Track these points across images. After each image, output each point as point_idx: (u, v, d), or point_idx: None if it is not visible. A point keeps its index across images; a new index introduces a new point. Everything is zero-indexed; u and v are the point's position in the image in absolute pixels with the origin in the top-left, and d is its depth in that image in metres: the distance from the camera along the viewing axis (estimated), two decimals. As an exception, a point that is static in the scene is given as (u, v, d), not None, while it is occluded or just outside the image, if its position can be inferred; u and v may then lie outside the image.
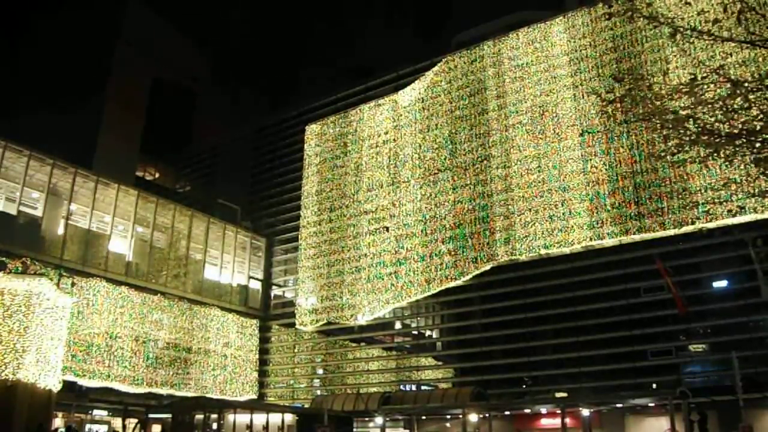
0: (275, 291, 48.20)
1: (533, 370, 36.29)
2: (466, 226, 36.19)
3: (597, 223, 31.89)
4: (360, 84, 46.65)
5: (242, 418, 34.89)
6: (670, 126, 10.10)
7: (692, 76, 10.00)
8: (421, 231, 38.13)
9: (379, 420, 35.50)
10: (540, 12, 39.58)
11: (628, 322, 32.48)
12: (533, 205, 33.96)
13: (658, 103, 10.18)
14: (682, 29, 10.32)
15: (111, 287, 36.09)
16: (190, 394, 38.37)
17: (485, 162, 36.41)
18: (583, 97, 33.89)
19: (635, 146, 31.55)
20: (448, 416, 37.07)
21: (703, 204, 28.77)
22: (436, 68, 40.58)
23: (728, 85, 9.93)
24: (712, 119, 10.02)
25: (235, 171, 54.11)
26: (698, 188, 29.13)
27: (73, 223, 36.81)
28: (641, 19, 10.53)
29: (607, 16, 11.09)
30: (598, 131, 32.87)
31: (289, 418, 36.52)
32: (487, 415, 33.08)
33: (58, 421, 33.71)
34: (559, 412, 31.02)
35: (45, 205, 34.92)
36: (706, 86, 10.08)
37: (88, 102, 52.56)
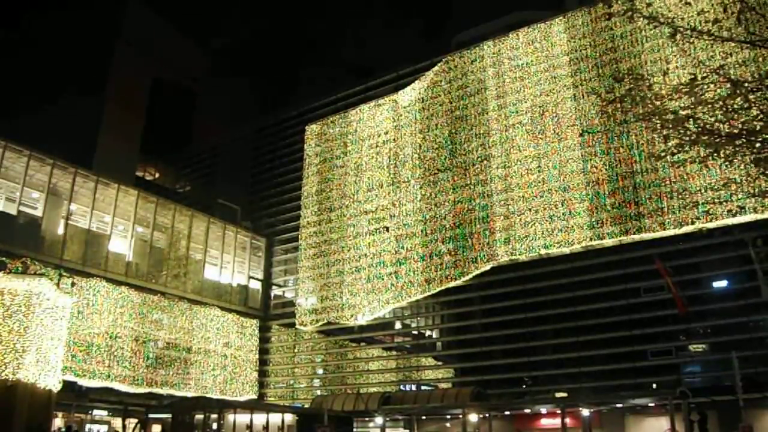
0: (275, 291, 48.20)
1: (533, 370, 36.29)
2: (466, 226, 36.19)
3: (597, 223, 31.89)
4: (360, 84, 46.64)
5: (242, 418, 34.90)
6: (670, 126, 10.10)
7: (692, 76, 10.00)
8: (421, 231, 38.13)
9: (379, 420, 35.51)
10: (540, 12, 39.58)
11: (628, 322, 32.48)
12: (533, 205, 33.95)
13: (658, 103, 10.19)
14: (682, 29, 10.32)
15: (111, 287, 36.08)
16: (190, 394, 38.37)
17: (485, 162, 36.41)
18: (583, 97, 33.88)
19: (635, 146, 31.55)
20: (448, 416, 37.07)
21: (703, 204, 28.75)
22: (436, 68, 40.58)
23: (728, 85, 9.93)
24: (712, 119, 10.03)
25: (235, 171, 54.10)
26: (698, 188, 29.11)
27: (73, 223, 36.80)
28: (641, 19, 10.53)
29: (607, 16, 11.12)
30: (598, 131, 32.87)
31: (289, 418, 36.53)
32: (487, 415, 33.09)
33: (58, 421, 33.73)
34: (559, 412, 31.03)
35: (45, 205, 34.92)
36: (706, 86, 10.08)
37: (88, 102, 52.54)
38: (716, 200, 27.97)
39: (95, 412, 37.83)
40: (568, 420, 30.59)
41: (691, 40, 10.40)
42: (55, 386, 23.99)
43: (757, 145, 9.69)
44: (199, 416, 33.75)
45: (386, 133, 42.01)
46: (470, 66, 38.85)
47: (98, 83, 54.02)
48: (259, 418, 35.00)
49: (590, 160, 32.81)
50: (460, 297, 38.68)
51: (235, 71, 75.12)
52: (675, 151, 10.51)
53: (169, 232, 41.85)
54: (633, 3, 10.43)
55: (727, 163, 10.35)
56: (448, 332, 43.25)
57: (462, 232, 36.24)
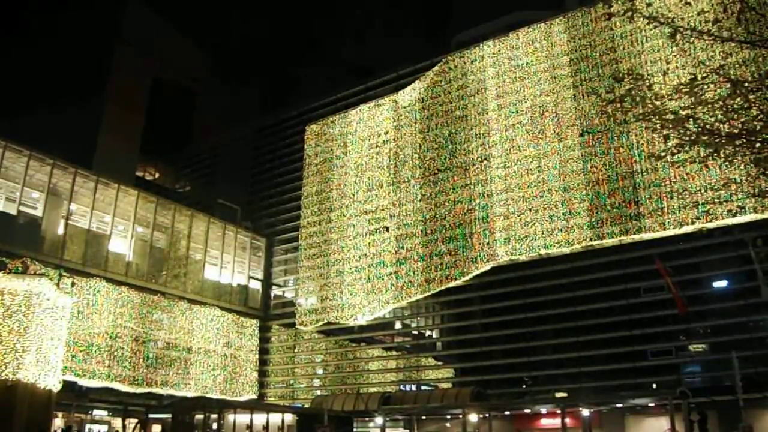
0: (275, 291, 48.19)
1: (533, 370, 36.29)
2: (466, 226, 36.19)
3: (597, 223, 31.89)
4: (360, 84, 46.63)
5: (242, 418, 34.91)
6: (670, 126, 10.10)
7: (692, 76, 10.00)
8: (421, 231, 38.14)
9: (379, 420, 35.51)
10: (540, 12, 39.58)
11: (628, 322, 32.48)
12: (533, 205, 33.95)
13: (658, 103, 10.19)
14: (682, 29, 10.32)
15: (111, 287, 36.08)
16: (190, 394, 38.37)
17: (485, 162, 36.41)
18: (583, 97, 33.89)
19: (635, 146, 31.55)
20: (448, 416, 37.07)
21: (703, 204, 28.75)
22: (436, 68, 40.58)
23: (728, 85, 9.94)
24: (712, 119, 10.03)
25: (235, 171, 54.09)
26: (698, 188, 29.10)
27: (73, 223, 36.79)
28: (641, 19, 10.53)
29: (607, 16, 11.09)
30: (598, 131, 32.89)
31: (289, 418, 36.53)
32: (487, 415, 33.09)
33: (58, 421, 33.73)
34: (559, 412, 31.03)
35: (45, 205, 34.91)
36: (706, 86, 10.08)
37: (88, 102, 52.54)
38: (716, 200, 27.99)
39: (95, 412, 37.83)
40: (568, 420, 30.59)
41: (691, 40, 10.41)
42: (55, 386, 23.98)
43: (757, 145, 9.70)
44: (199, 416, 33.75)
45: (386, 133, 42.01)
46: (470, 66, 38.85)
47: (98, 83, 54.02)
48: (259, 418, 35.00)
49: (590, 160, 32.81)
50: (460, 297, 38.69)
51: (235, 71, 75.13)
52: (675, 151, 10.52)
53: (169, 232, 41.85)
54: (633, 3, 10.42)
55: (727, 163, 10.35)
56: (448, 332, 43.25)
57: (462, 232, 36.24)
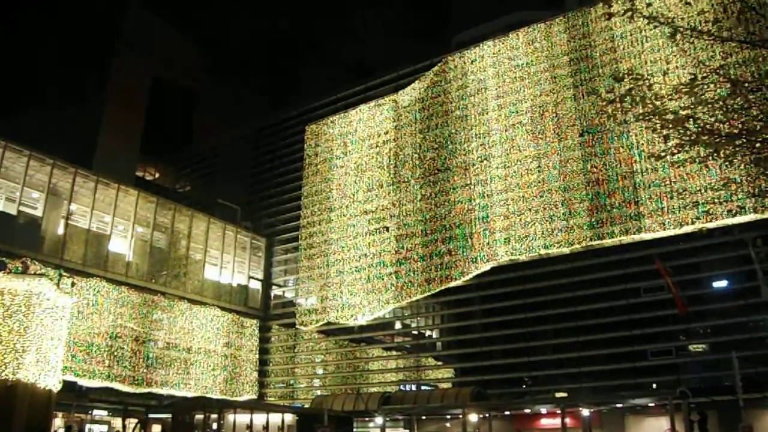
0: (275, 291, 48.19)
1: (533, 370, 36.30)
2: (466, 226, 36.19)
3: (597, 223, 31.89)
4: (360, 84, 46.63)
5: (242, 418, 34.90)
6: (670, 126, 10.10)
7: (692, 76, 10.01)
8: (421, 231, 38.13)
9: (379, 420, 35.51)
10: (540, 12, 39.60)
11: (628, 322, 32.48)
12: (533, 205, 33.95)
13: (658, 103, 10.19)
14: (682, 29, 10.32)
15: (111, 287, 36.07)
16: (190, 394, 38.37)
17: (485, 162, 36.40)
18: (583, 97, 33.88)
19: (635, 146, 31.54)
20: (448, 416, 37.06)
21: (703, 204, 28.75)
22: (436, 68, 40.58)
23: (728, 85, 9.94)
24: (712, 119, 10.03)
25: (235, 171, 54.10)
26: (698, 188, 29.09)
27: (73, 223, 36.78)
28: (641, 19, 10.53)
29: (607, 16, 11.09)
30: (598, 131, 32.88)
31: (289, 418, 36.52)
32: (487, 415, 33.09)
33: (58, 421, 33.72)
34: (559, 412, 31.03)
35: (45, 205, 34.91)
36: (706, 86, 10.08)
37: (88, 102, 52.57)
38: (716, 200, 27.99)
39: (95, 412, 37.81)
40: (568, 420, 30.58)
41: (691, 40, 10.41)
42: (55, 386, 23.97)
43: (757, 145, 9.70)
44: (199, 416, 33.74)
45: (386, 133, 42.00)
46: (470, 66, 38.84)
47: (98, 83, 54.04)
48: (259, 418, 34.99)
49: (590, 160, 32.80)
50: (460, 297, 38.69)
51: (236, 71, 75.15)
52: (675, 151, 10.52)
53: (169, 232, 41.85)
54: (633, 3, 10.42)
55: (727, 163, 10.35)
56: (448, 332, 43.26)
57: (462, 232, 36.23)
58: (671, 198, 30.07)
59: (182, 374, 38.92)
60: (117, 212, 38.46)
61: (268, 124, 52.76)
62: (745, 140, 9.76)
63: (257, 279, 47.54)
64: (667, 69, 29.87)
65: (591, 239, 31.96)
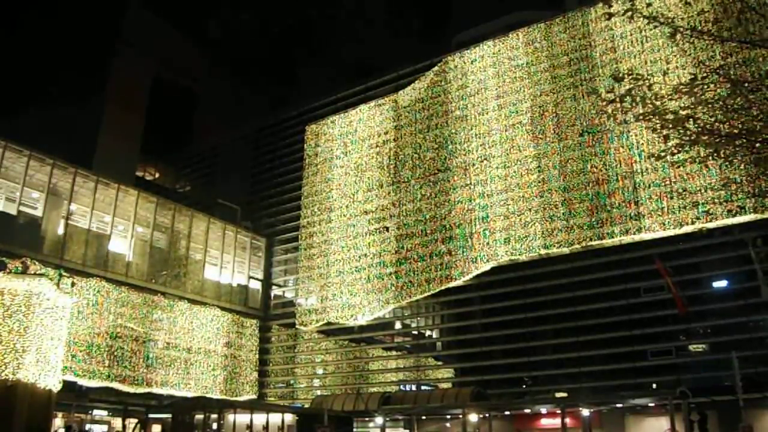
0: (275, 291, 48.19)
1: (533, 370, 36.29)
2: (466, 226, 36.18)
3: (597, 223, 31.88)
4: (360, 84, 46.63)
5: (242, 418, 34.90)
6: (670, 126, 10.10)
7: (692, 76, 10.01)
8: (421, 231, 38.12)
9: (379, 420, 35.51)
10: (540, 12, 39.60)
11: (628, 322, 32.47)
12: (533, 205, 33.95)
13: (658, 103, 10.19)
14: (682, 29, 10.32)
15: (111, 287, 36.08)
16: (190, 394, 38.38)
17: (485, 162, 36.40)
18: (583, 97, 33.87)
19: (635, 146, 31.54)
20: (448, 416, 37.06)
21: (703, 204, 28.75)
22: (436, 68, 40.58)
23: (728, 85, 9.94)
24: (712, 119, 10.03)
25: (235, 171, 54.10)
26: (698, 188, 29.10)
27: (73, 223, 36.79)
28: (641, 19, 10.53)
29: (607, 16, 11.09)
30: (598, 131, 32.88)
31: (289, 418, 36.52)
32: (487, 415, 33.08)
33: (58, 421, 33.74)
34: (559, 412, 31.02)
35: (45, 205, 34.91)
36: (706, 86, 10.08)
37: (88, 102, 52.57)
38: (716, 200, 28.01)
39: (95, 412, 37.83)
40: (568, 420, 30.58)
41: (691, 40, 10.42)
42: (55, 386, 23.98)
43: (757, 145, 9.70)
44: (199, 416, 33.74)
45: (386, 133, 42.00)
46: (470, 66, 38.84)
47: (98, 83, 54.02)
48: (259, 418, 34.99)
49: (590, 160, 32.80)
50: (460, 297, 38.68)
51: (236, 71, 75.17)
52: (675, 151, 10.52)
53: (169, 232, 41.85)
54: (633, 3, 10.42)
55: (727, 163, 10.35)
56: (448, 332, 43.26)
57: (462, 232, 36.23)
58: (671, 198, 30.06)
59: (182, 374, 38.92)
60: (117, 212, 38.46)
61: (268, 124, 52.76)
62: (745, 140, 9.76)
63: (257, 279, 47.54)
64: (667, 69, 29.86)
65: (591, 239, 31.95)
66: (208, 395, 39.28)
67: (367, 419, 38.47)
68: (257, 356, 44.75)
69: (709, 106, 10.01)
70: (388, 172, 40.99)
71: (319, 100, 48.75)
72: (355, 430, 38.88)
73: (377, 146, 42.14)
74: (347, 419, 37.53)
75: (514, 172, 35.11)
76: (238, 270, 46.29)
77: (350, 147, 43.57)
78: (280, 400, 45.13)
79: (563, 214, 32.91)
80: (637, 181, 31.15)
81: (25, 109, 51.11)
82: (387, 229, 39.75)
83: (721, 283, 32.33)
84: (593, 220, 32.00)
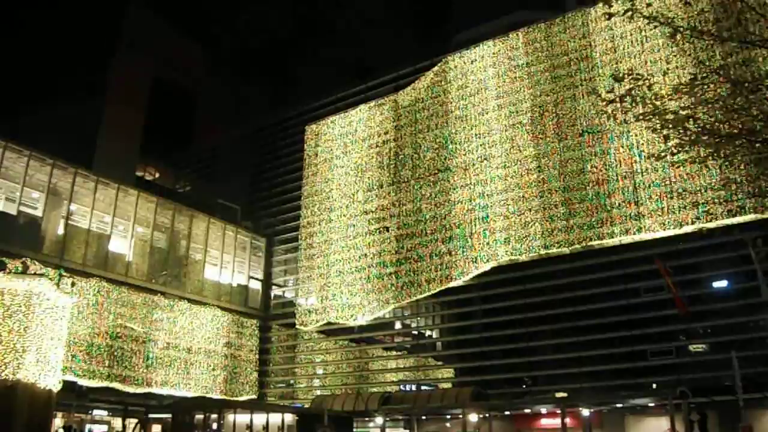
0: (275, 291, 48.19)
1: (533, 370, 36.29)
2: (466, 226, 36.18)
3: (597, 223, 31.88)
4: (360, 84, 46.62)
5: (242, 418, 34.91)
6: (670, 126, 10.11)
7: (692, 76, 10.01)
8: (421, 231, 38.12)
9: (379, 420, 35.51)
10: (540, 12, 39.56)
11: (628, 322, 32.47)
12: (533, 205, 33.95)
13: (658, 103, 10.19)
14: (682, 29, 10.32)
15: (111, 287, 36.08)
16: (190, 394, 38.38)
17: (485, 162, 36.40)
18: (583, 97, 33.87)
19: (635, 146, 31.54)
20: (448, 416, 37.06)
21: (703, 204, 28.75)
22: (436, 68, 40.58)
23: (728, 85, 9.94)
24: (712, 119, 10.03)
25: (235, 171, 54.08)
26: (698, 188, 29.10)
27: (73, 223, 36.79)
28: (641, 19, 10.53)
29: (607, 16, 11.09)
30: (598, 131, 32.87)
31: (289, 418, 36.53)
32: (487, 415, 33.08)
33: (58, 421, 33.74)
34: (559, 412, 31.03)
35: (45, 205, 34.91)
36: (706, 86, 10.09)
37: (88, 102, 52.55)
38: (716, 200, 28.01)
39: (95, 412, 37.82)
40: (568, 420, 30.59)
41: (691, 40, 10.42)
42: (55, 386, 24.00)
43: (757, 145, 9.70)
44: (199, 416, 33.75)
45: (386, 133, 41.99)
46: (470, 66, 38.83)
47: (98, 83, 54.01)
48: (259, 418, 35.00)
49: (590, 160, 32.80)
50: (460, 297, 38.66)
51: (236, 71, 75.18)
52: (675, 151, 10.52)
53: (169, 232, 41.85)
54: (633, 3, 10.42)
55: (727, 163, 10.35)
56: (448, 332, 43.25)
57: (462, 232, 36.22)
58: (671, 198, 30.06)
59: (182, 374, 38.92)
60: (117, 212, 38.46)
61: (268, 124, 52.75)
62: (745, 140, 9.76)
63: (257, 279, 47.54)
64: (667, 69, 29.86)
65: (591, 239, 31.95)
66: (208, 395, 39.28)
67: (367, 419, 38.47)
68: (257, 356, 44.74)
69: (709, 106, 10.02)
70: (388, 172, 40.99)
71: (319, 100, 48.74)
72: (355, 430, 38.87)
73: (377, 146, 42.13)
74: (347, 419, 37.53)
75: (514, 172, 35.11)
76: (238, 270, 46.29)
77: (350, 147, 43.56)
78: (280, 400, 45.13)
79: (563, 214, 32.90)
80: (637, 181, 31.14)
81: (25, 109, 51.10)
82: (387, 229, 39.75)
83: (721, 283, 32.32)
84: (593, 220, 31.99)
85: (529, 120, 35.34)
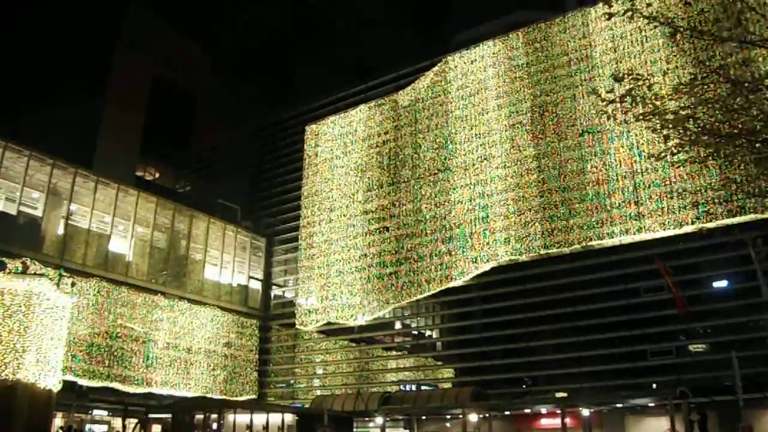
0: (275, 291, 48.19)
1: (533, 370, 36.29)
2: (466, 226, 36.18)
3: (597, 223, 31.88)
4: (360, 84, 46.63)
5: (242, 418, 34.90)
6: (670, 126, 10.10)
7: (692, 76, 10.00)
8: (421, 231, 38.12)
9: (379, 420, 35.51)
10: (540, 12, 39.56)
11: (628, 322, 32.48)
12: (533, 205, 33.95)
13: (658, 103, 10.19)
14: (682, 29, 10.33)
15: (111, 287, 36.09)
16: (190, 394, 38.38)
17: (485, 162, 36.40)
18: (583, 97, 33.87)
19: (635, 146, 31.54)
20: (448, 416, 37.06)
21: (703, 204, 28.75)
22: (436, 68, 40.57)
23: (728, 85, 9.94)
24: (712, 119, 10.03)
25: (235, 171, 54.11)
26: (698, 188, 29.10)
27: (73, 223, 36.80)
28: (641, 19, 10.53)
29: (607, 16, 11.09)
30: (598, 131, 32.86)
31: (289, 418, 36.53)
32: (487, 415, 33.08)
33: (58, 421, 33.74)
34: (559, 412, 31.03)
35: (45, 205, 34.92)
36: (706, 86, 10.08)
37: (87, 102, 52.55)
38: (716, 200, 28.01)
39: (95, 412, 37.83)
40: (568, 420, 30.59)
41: (691, 40, 10.44)
42: (55, 386, 24.00)
43: (757, 145, 9.70)
44: (199, 416, 33.75)
45: (386, 133, 41.99)
46: (470, 66, 38.83)
47: (98, 83, 54.01)
48: (259, 418, 35.00)
49: (590, 160, 32.79)
50: (460, 297, 38.66)
51: (236, 71, 75.14)
52: (675, 151, 10.52)
53: (169, 232, 41.86)
54: (633, 3, 10.42)
55: (727, 163, 10.36)
56: (448, 332, 43.26)
57: (462, 232, 36.22)
58: (671, 198, 30.05)
59: (182, 374, 38.93)
60: (117, 212, 38.47)
61: (268, 124, 52.76)
62: (745, 140, 9.76)
63: (257, 279, 47.55)
64: (667, 69, 29.86)
65: (591, 239, 31.95)
66: (208, 395, 39.28)
67: (367, 419, 38.47)
68: (257, 356, 44.75)
69: (709, 106, 10.02)
70: (388, 172, 40.99)
71: (319, 100, 48.74)
72: (355, 430, 38.88)
73: (377, 146, 42.13)
74: (347, 419, 37.53)
75: (514, 172, 35.11)
76: (238, 270, 46.30)
77: (350, 147, 43.55)
78: (280, 400, 45.13)
79: (563, 214, 32.90)
80: (637, 181, 31.13)
81: (25, 109, 51.08)
82: (387, 229, 39.76)
83: (721, 283, 32.32)
84: (593, 220, 31.99)
85: (529, 120, 35.34)
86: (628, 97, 10.22)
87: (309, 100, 50.00)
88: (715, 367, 29.84)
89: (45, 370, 23.23)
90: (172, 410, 33.85)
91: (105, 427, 39.27)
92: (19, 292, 23.06)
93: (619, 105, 10.43)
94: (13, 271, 23.48)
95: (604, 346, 33.03)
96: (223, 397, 40.59)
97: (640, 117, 10.44)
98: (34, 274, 23.88)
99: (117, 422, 37.54)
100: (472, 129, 37.50)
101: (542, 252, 33.29)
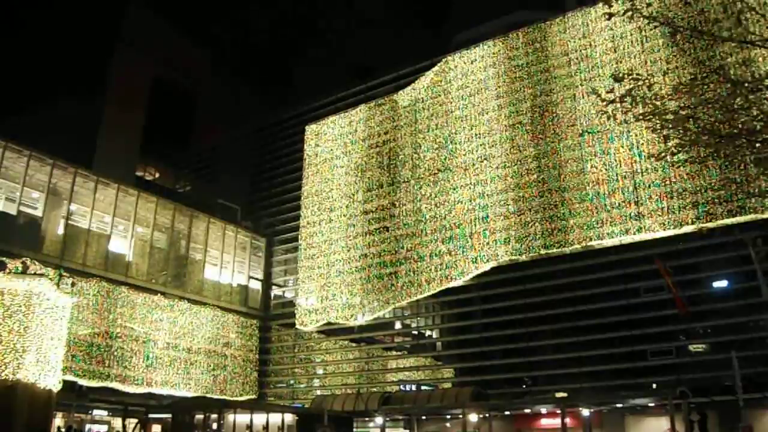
0: (275, 291, 48.20)
1: (533, 370, 36.29)
2: (466, 226, 36.18)
3: (597, 223, 31.88)
4: (360, 84, 46.63)
5: (242, 418, 34.90)
6: (670, 126, 10.10)
7: (692, 76, 10.00)
8: (421, 231, 38.12)
9: (379, 420, 35.51)
10: (540, 12, 39.55)
11: (628, 322, 32.47)
12: (533, 205, 33.95)
13: (658, 103, 10.19)
14: (682, 29, 10.33)
15: (111, 287, 36.09)
16: (190, 394, 38.37)
17: (485, 162, 36.40)
18: (583, 97, 33.87)
19: (635, 146, 31.54)
20: (448, 416, 37.06)
21: (703, 204, 28.75)
22: (436, 68, 40.57)
23: (728, 85, 9.94)
24: (712, 119, 10.03)
25: (235, 171, 54.12)
26: (698, 188, 29.11)
27: (73, 223, 36.80)
28: (641, 19, 10.53)
29: (607, 16, 11.09)
30: (598, 131, 32.86)
31: (289, 418, 36.53)
32: (487, 415, 33.08)
33: (58, 421, 33.73)
34: (559, 412, 31.03)
35: (45, 205, 34.92)
36: (706, 86, 10.09)
37: (87, 102, 52.53)
38: (716, 200, 28.01)
39: (95, 412, 37.82)
40: (568, 420, 30.59)
41: (691, 40, 10.45)
42: (55, 386, 23.99)
43: (757, 145, 9.70)
44: (199, 416, 33.75)
45: (386, 133, 41.99)
46: (470, 66, 38.83)
47: (98, 83, 53.98)
48: (259, 418, 35.00)
49: (590, 160, 32.79)
50: (460, 297, 38.67)
51: (235, 71, 75.11)
52: (675, 151, 10.52)
53: (169, 232, 41.86)
54: (633, 3, 10.42)
55: (727, 163, 10.36)
56: (448, 332, 43.25)
57: (462, 232, 36.22)
58: (671, 198, 30.05)
59: (182, 374, 38.93)
60: (117, 212, 38.47)
61: (268, 124, 52.77)
62: (745, 140, 9.76)
63: (257, 279, 47.55)
64: (667, 69, 29.87)
65: (591, 239, 31.95)
66: (208, 395, 39.27)
67: (367, 419, 38.47)
68: (257, 356, 44.75)
69: (709, 106, 10.02)
70: (388, 172, 40.99)
71: (319, 100, 48.74)
72: (355, 430, 38.88)
73: (377, 146, 42.13)
74: (347, 419, 37.53)
75: (514, 172, 35.11)
76: (238, 270, 46.30)
77: (350, 147, 43.56)
78: (280, 400, 45.13)
79: (563, 214, 32.90)
80: (637, 181, 31.13)
81: (25, 109, 51.06)
82: (387, 229, 39.76)
83: (721, 283, 32.31)
84: (593, 220, 31.99)
85: (529, 120, 35.34)
86: (628, 97, 10.22)
87: (309, 100, 50.00)
88: (715, 367, 29.84)
89: (45, 370, 23.23)
90: (172, 410, 33.85)
91: (105, 427, 39.27)
92: (19, 292, 23.06)
93: (619, 105, 10.43)
94: (13, 271, 23.48)
95: (604, 346, 33.03)
96: (223, 397, 40.59)
97: (640, 117, 10.45)
98: (34, 274, 23.88)
99: (117, 422, 37.54)
100: (472, 129, 37.50)
101: (542, 252, 33.29)
